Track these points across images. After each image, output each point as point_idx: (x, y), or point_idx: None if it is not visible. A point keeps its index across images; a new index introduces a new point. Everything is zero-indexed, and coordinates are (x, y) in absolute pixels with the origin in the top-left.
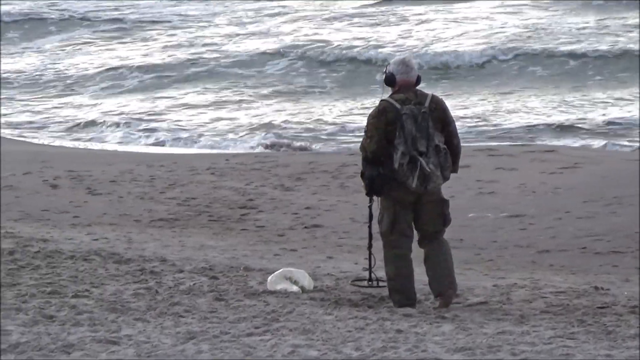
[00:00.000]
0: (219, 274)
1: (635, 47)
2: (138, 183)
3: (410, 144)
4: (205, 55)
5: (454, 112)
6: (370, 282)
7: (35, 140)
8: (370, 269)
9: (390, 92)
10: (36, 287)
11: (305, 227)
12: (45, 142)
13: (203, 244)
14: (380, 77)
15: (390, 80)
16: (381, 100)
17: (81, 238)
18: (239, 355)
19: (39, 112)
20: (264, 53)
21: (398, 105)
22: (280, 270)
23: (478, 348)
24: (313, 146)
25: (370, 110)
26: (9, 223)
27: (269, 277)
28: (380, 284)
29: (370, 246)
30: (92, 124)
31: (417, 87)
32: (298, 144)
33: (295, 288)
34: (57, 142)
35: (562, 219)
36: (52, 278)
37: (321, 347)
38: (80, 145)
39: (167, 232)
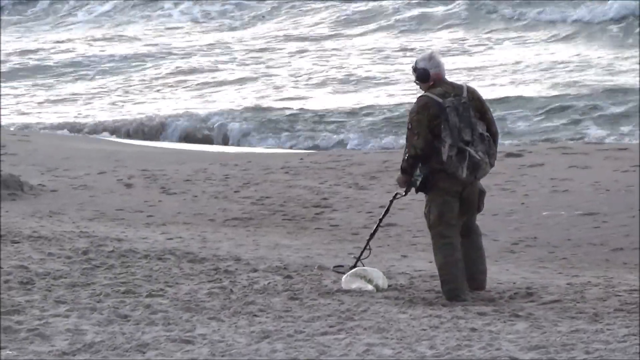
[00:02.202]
0: (293, 273)
1: None
2: (212, 182)
3: (456, 135)
4: None
5: None
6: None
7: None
8: (359, 259)
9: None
10: (110, 286)
11: (381, 226)
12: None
13: (277, 243)
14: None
15: (424, 76)
16: (421, 96)
17: (155, 237)
18: (314, 354)
19: None
20: None
21: (439, 99)
22: (355, 269)
23: (552, 346)
24: None
25: (411, 107)
26: (84, 222)
27: (344, 276)
28: (358, 264)
29: (371, 237)
30: None
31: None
32: None
33: (369, 287)
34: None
35: (636, 217)
36: (127, 277)
37: (395, 346)
38: (155, 144)
39: (241, 231)
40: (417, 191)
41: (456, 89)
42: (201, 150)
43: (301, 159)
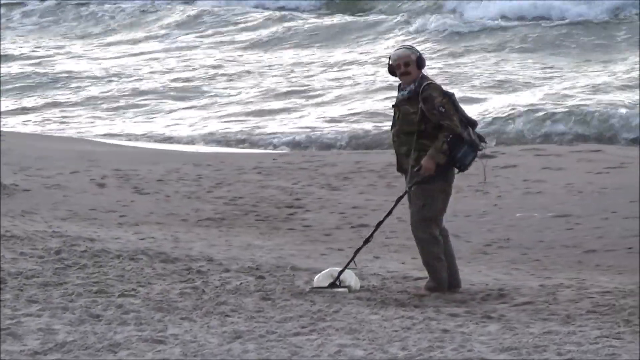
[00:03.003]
0: (266, 274)
1: None
2: (185, 182)
3: (464, 124)
4: None
5: None
6: (335, 282)
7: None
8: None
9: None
10: (83, 286)
11: (352, 227)
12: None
13: (250, 244)
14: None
15: (424, 64)
16: (430, 83)
17: (128, 237)
18: (286, 354)
19: None
20: None
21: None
22: (327, 269)
23: (524, 348)
24: None
25: (431, 92)
26: (56, 222)
27: (316, 277)
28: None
29: (371, 237)
30: None
31: None
32: None
33: (341, 288)
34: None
35: (609, 219)
36: (99, 277)
37: (367, 347)
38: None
39: (214, 232)
40: (463, 169)
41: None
42: (174, 150)
43: (274, 159)
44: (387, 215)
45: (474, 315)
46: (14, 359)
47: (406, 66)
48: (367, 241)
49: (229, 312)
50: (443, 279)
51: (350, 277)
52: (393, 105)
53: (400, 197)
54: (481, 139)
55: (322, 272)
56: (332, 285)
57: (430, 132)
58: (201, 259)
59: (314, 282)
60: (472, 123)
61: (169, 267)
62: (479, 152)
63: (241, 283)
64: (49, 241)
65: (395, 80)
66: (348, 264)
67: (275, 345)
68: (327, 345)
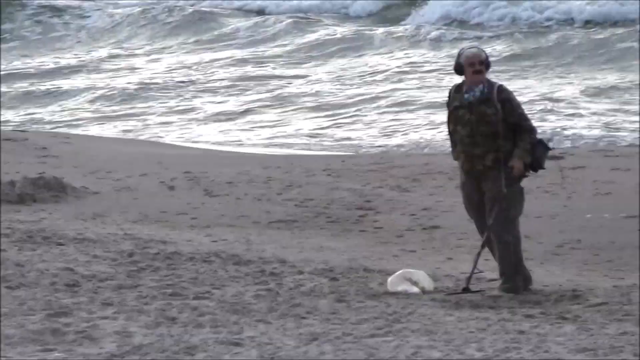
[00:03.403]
0: (339, 275)
1: None
2: (255, 184)
3: None
4: None
5: None
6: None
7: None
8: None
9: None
10: (157, 288)
11: (424, 229)
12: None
13: (322, 245)
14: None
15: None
16: (503, 84)
17: (200, 240)
18: (362, 356)
19: None
20: None
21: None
22: (400, 271)
23: (600, 349)
24: None
25: (508, 94)
26: (128, 225)
27: (389, 279)
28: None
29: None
30: None
31: None
32: None
33: (415, 289)
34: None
35: None
36: (173, 280)
37: (444, 348)
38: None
39: (286, 234)
40: (537, 170)
41: None
42: (243, 152)
43: (343, 161)
44: (495, 216)
45: (549, 316)
46: None
47: (480, 65)
48: (482, 247)
49: (304, 314)
50: (520, 282)
51: (424, 279)
52: (456, 107)
53: (499, 198)
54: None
55: (395, 273)
56: (465, 290)
57: (506, 133)
58: (274, 261)
59: (388, 284)
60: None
61: (242, 270)
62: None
63: (315, 285)
64: (121, 244)
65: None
66: (473, 270)
67: (351, 347)
68: (404, 347)
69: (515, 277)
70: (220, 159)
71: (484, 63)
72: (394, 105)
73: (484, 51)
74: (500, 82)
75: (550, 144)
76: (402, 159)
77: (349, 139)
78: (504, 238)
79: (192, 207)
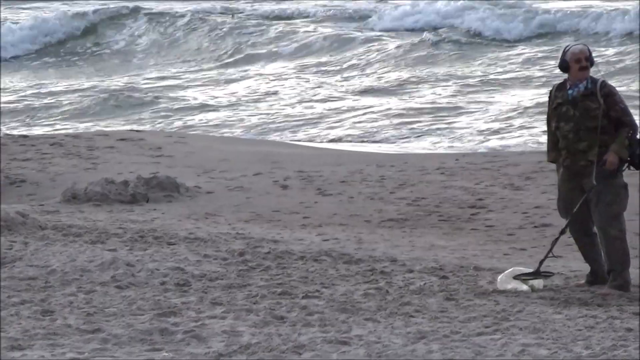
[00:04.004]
0: (449, 274)
1: None
2: (368, 183)
3: None
4: None
5: None
6: (539, 272)
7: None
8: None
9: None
10: (266, 287)
11: (535, 227)
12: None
13: (433, 244)
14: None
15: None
16: (605, 80)
17: (311, 239)
18: (469, 354)
19: None
20: None
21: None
22: (510, 269)
23: None
24: None
25: (611, 88)
26: (240, 224)
27: (499, 277)
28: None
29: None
30: None
31: None
32: None
33: (525, 287)
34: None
35: None
36: (283, 279)
37: (551, 346)
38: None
39: (397, 232)
40: (638, 167)
41: None
42: (358, 151)
43: (457, 159)
44: (577, 208)
45: None
46: None
47: (586, 61)
48: (562, 232)
49: (412, 312)
50: (629, 278)
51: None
52: (559, 104)
53: (589, 192)
54: None
55: (505, 271)
56: (537, 272)
57: (609, 129)
58: (385, 260)
59: (498, 283)
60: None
61: (353, 268)
62: None
63: (425, 283)
64: (232, 243)
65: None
66: (548, 253)
67: (459, 345)
68: (511, 345)
69: (623, 274)
70: (335, 158)
71: (589, 59)
72: None
73: (588, 48)
74: (603, 80)
75: None
76: (515, 157)
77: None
78: (610, 233)
79: (304, 206)
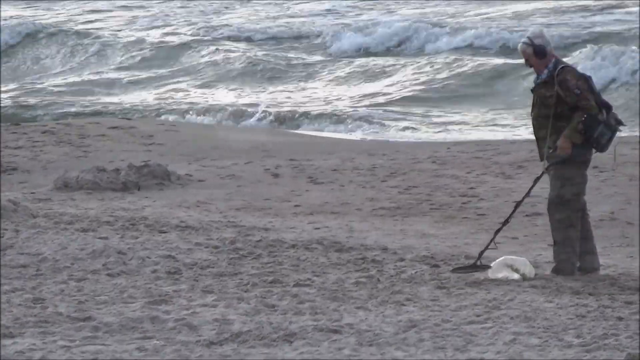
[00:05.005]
0: (440, 262)
1: None
2: (359, 172)
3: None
4: None
5: None
6: (478, 263)
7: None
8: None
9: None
10: (258, 276)
11: (527, 215)
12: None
13: (424, 232)
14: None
15: (543, 53)
16: (566, 67)
17: (303, 227)
18: (460, 343)
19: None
20: None
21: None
22: (502, 258)
23: None
24: None
25: (565, 75)
26: (231, 212)
27: (491, 265)
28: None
29: (510, 218)
30: None
31: None
32: None
33: (516, 276)
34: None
35: None
36: (274, 267)
37: (542, 335)
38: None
39: (389, 221)
40: (600, 150)
41: (568, 64)
42: (349, 140)
43: (448, 148)
44: (525, 196)
45: None
46: (189, 349)
47: (527, 61)
48: (506, 222)
49: (404, 301)
50: (570, 264)
51: (525, 266)
52: (531, 90)
53: (538, 178)
54: (618, 121)
55: (497, 260)
56: (474, 265)
57: (567, 115)
58: (376, 248)
59: (489, 271)
60: (608, 106)
61: (344, 257)
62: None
63: (416, 272)
64: (223, 231)
65: None
66: (488, 244)
67: (450, 334)
68: (502, 334)
69: (561, 258)
70: (327, 147)
71: (529, 58)
72: None
73: (529, 44)
74: (565, 64)
75: (620, 127)
76: (506, 146)
77: None
78: (555, 217)
79: (295, 195)
